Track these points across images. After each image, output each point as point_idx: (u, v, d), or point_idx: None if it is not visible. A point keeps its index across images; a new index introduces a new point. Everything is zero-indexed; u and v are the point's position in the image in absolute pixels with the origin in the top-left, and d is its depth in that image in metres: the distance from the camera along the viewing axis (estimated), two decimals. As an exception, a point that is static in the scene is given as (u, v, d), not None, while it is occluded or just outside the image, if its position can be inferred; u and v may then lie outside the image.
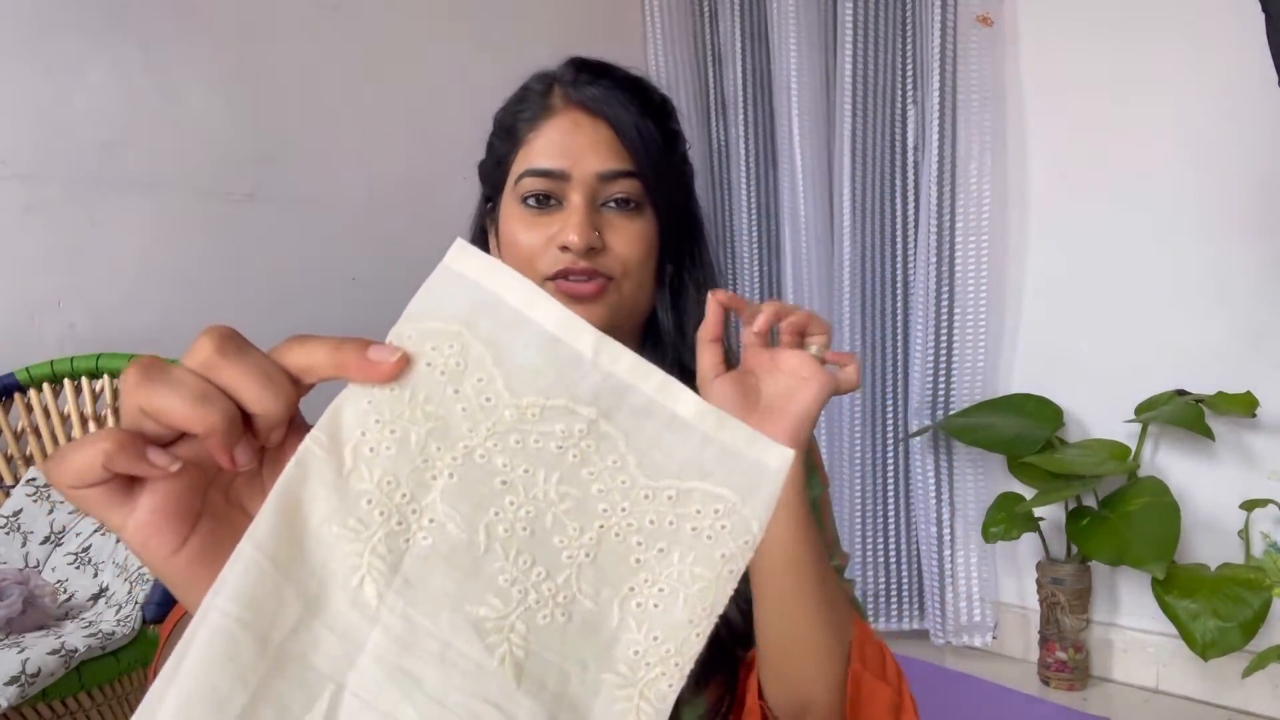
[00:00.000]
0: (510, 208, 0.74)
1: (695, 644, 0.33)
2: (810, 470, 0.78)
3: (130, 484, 0.32)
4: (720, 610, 0.33)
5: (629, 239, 0.72)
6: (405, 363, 0.32)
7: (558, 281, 0.71)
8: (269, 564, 0.31)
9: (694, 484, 0.33)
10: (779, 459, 0.33)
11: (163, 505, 0.32)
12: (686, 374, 0.78)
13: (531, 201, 0.72)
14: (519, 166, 0.73)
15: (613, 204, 0.72)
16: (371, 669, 0.31)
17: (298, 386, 0.33)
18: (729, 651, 0.72)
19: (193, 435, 0.31)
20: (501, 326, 0.33)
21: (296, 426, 0.34)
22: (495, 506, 0.33)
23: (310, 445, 0.32)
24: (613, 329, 0.74)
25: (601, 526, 0.33)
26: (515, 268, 0.73)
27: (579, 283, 0.70)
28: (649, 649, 0.33)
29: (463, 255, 0.33)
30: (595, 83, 0.73)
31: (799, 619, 0.62)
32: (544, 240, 0.71)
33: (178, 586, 0.33)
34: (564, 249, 0.70)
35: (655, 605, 0.33)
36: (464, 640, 0.32)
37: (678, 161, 0.77)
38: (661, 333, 0.78)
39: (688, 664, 0.33)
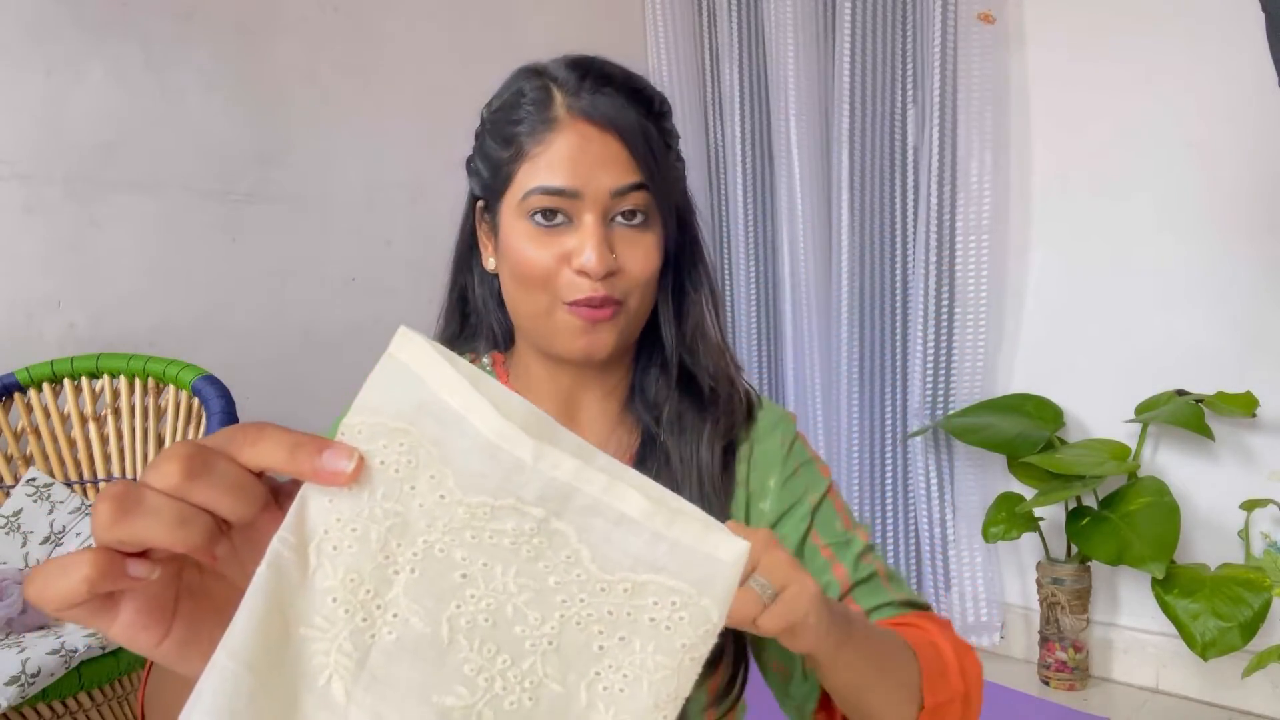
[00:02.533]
0: (516, 223, 0.72)
1: None
2: (808, 466, 0.78)
3: (111, 594, 0.32)
4: (686, 694, 0.34)
5: (641, 256, 0.71)
6: (360, 468, 0.33)
7: (573, 307, 0.70)
8: (245, 672, 0.31)
9: (648, 577, 0.34)
10: (732, 552, 0.34)
11: (144, 604, 0.33)
12: (686, 374, 0.78)
13: (540, 219, 0.70)
14: (525, 181, 0.71)
15: (623, 219, 0.71)
16: None
17: (263, 476, 0.34)
18: (731, 638, 0.72)
19: None
20: (444, 428, 0.33)
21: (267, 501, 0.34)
22: (457, 599, 0.33)
23: (279, 548, 0.32)
24: (619, 345, 0.74)
25: (561, 616, 0.34)
26: (523, 284, 0.73)
27: (595, 307, 0.70)
28: None
29: (406, 344, 0.34)
30: (599, 90, 0.71)
31: (869, 703, 0.62)
32: (555, 259, 0.70)
33: (173, 666, 0.34)
34: (580, 272, 0.69)
35: (621, 690, 0.33)
36: None
37: (674, 161, 0.76)
38: (663, 337, 0.78)
39: None
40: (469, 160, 0.79)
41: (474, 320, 0.83)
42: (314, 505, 0.33)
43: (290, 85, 2.02)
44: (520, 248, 0.71)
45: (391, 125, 2.16)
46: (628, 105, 0.71)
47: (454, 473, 0.33)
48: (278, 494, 0.35)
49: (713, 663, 0.72)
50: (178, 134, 1.86)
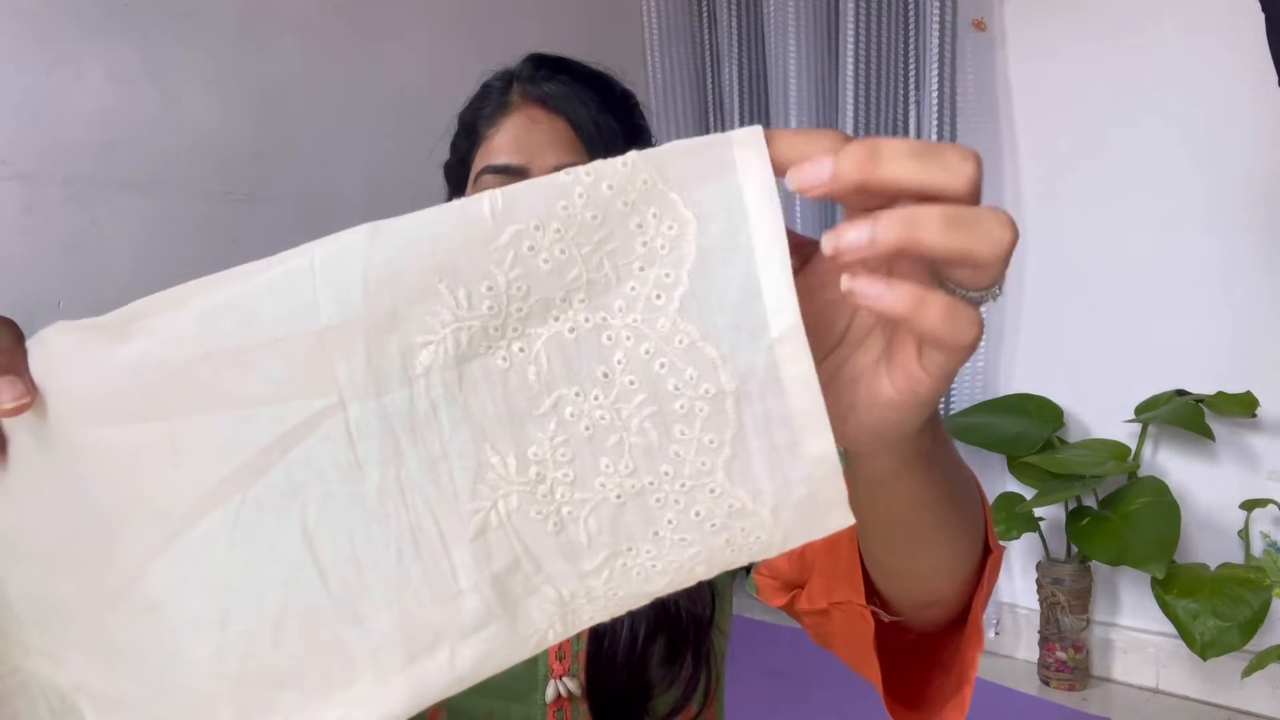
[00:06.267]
0: None
1: (633, 605, 0.32)
2: None
3: None
4: (675, 589, 0.32)
5: None
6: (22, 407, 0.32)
7: None
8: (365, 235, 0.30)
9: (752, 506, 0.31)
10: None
11: None
12: None
13: None
14: (478, 164, 0.73)
15: None
16: (370, 419, 0.30)
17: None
18: (692, 637, 0.72)
19: None
20: (724, 256, 0.29)
21: None
22: (581, 387, 0.29)
23: (483, 200, 0.29)
24: None
25: (651, 483, 0.30)
26: None
27: None
28: (602, 590, 0.31)
29: (753, 143, 0.29)
30: (553, 78, 0.73)
31: (932, 542, 0.49)
32: None
33: None
34: None
35: (637, 574, 0.31)
36: (460, 469, 0.30)
37: None
38: None
39: (615, 612, 0.32)
40: (445, 165, 0.80)
41: None
42: (539, 197, 0.29)
43: (290, 85, 2.02)
44: None
45: (391, 125, 2.16)
46: (583, 94, 0.72)
47: (689, 297, 0.29)
48: None
49: (676, 654, 0.71)
50: (178, 134, 1.86)
